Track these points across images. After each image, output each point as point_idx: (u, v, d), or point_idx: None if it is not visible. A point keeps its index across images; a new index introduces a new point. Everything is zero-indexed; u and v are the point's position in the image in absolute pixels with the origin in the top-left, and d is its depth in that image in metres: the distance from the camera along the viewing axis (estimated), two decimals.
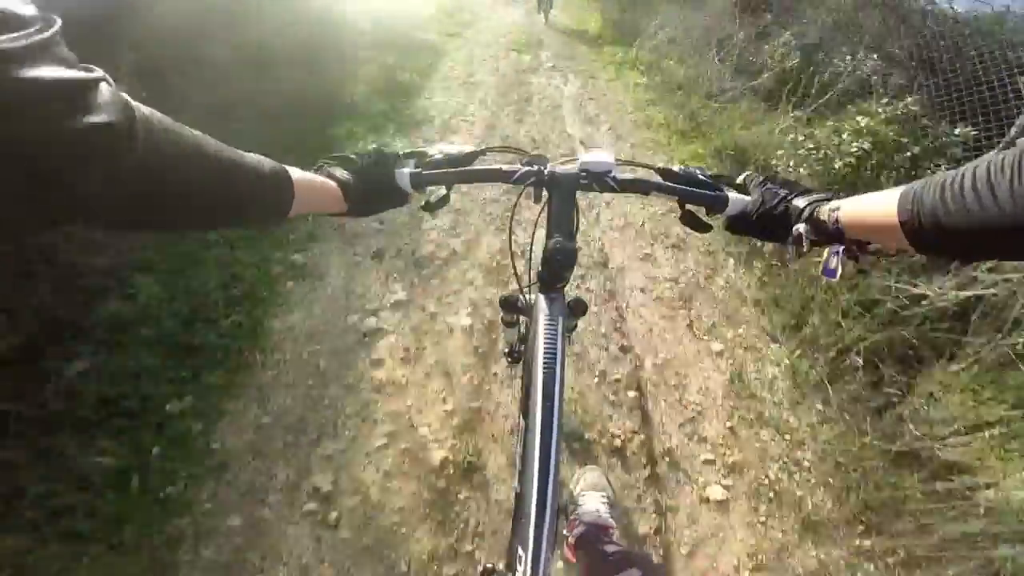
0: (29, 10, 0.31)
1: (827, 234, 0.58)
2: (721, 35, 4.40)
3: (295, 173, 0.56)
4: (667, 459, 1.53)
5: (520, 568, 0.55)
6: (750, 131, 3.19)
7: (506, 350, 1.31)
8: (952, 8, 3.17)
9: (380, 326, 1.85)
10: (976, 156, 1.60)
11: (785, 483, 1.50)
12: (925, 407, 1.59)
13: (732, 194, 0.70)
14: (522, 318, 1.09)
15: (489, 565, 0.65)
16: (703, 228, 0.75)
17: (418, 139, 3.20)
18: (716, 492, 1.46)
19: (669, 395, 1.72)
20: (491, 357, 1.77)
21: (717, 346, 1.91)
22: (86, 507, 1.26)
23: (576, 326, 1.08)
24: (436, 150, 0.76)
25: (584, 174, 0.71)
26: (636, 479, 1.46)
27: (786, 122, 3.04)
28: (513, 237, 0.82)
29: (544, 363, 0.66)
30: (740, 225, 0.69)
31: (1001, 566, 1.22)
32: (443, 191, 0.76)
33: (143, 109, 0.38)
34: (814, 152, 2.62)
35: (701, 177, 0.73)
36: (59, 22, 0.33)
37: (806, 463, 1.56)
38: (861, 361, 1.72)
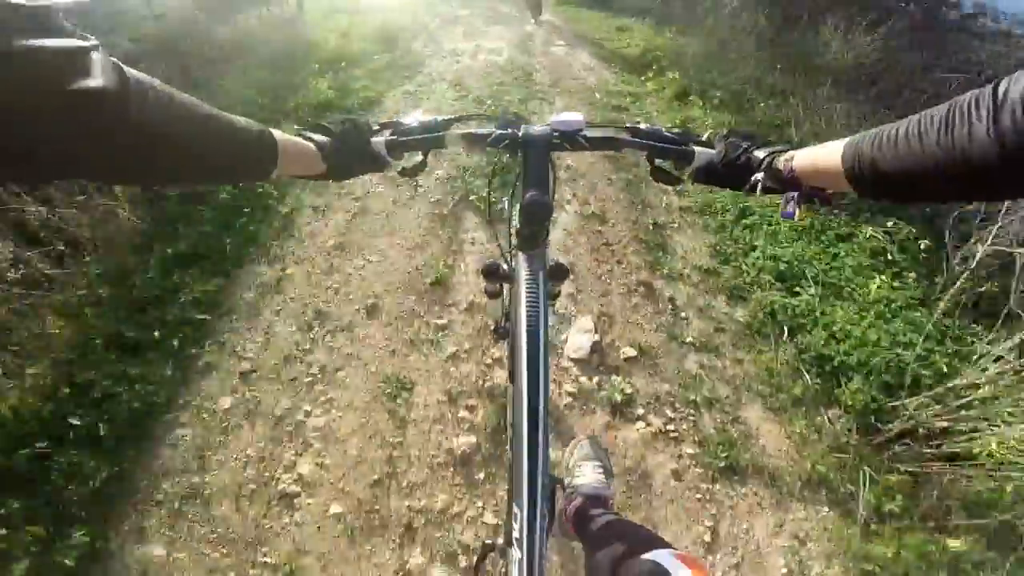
0: None
1: (783, 181, 0.63)
2: None
3: (278, 135, 0.58)
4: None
5: (517, 541, 0.56)
6: None
7: (492, 326, 1.31)
8: None
9: None
10: None
11: None
12: None
13: (698, 148, 0.73)
14: (506, 289, 1.11)
15: (489, 541, 0.69)
16: (673, 181, 0.78)
17: None
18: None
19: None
20: None
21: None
22: None
23: (559, 292, 1.10)
24: (411, 119, 0.77)
25: (556, 133, 0.74)
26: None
27: None
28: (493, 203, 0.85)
29: (527, 322, 0.68)
30: (706, 176, 0.73)
31: None
32: (419, 157, 0.78)
33: (136, 74, 0.40)
34: None
35: (667, 134, 0.76)
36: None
37: None
38: None
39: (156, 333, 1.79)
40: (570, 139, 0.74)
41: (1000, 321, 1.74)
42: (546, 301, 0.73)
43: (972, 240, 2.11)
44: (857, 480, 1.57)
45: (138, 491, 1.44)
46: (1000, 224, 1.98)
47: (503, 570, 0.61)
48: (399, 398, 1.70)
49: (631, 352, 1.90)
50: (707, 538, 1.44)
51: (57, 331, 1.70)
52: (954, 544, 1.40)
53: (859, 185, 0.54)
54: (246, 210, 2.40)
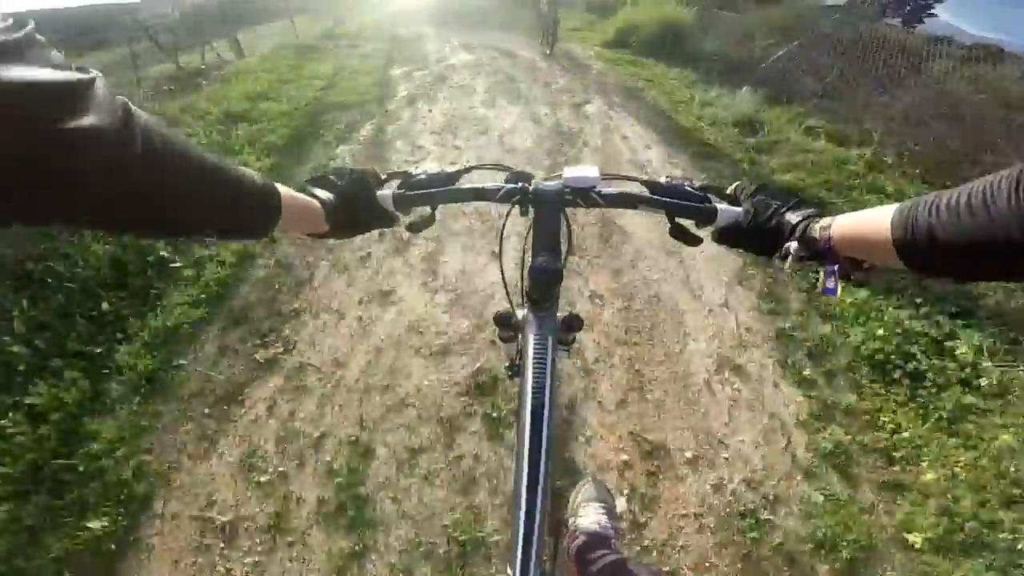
0: (2, 12, 0.31)
1: (818, 252, 0.57)
2: None
3: (282, 190, 0.55)
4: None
5: None
6: None
7: (506, 364, 1.33)
8: None
9: None
10: None
11: None
12: None
13: (721, 206, 0.69)
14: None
15: None
16: (693, 241, 0.74)
17: None
18: None
19: None
20: None
21: None
22: None
23: (574, 339, 1.08)
24: (420, 170, 0.76)
25: (568, 190, 0.71)
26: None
27: None
28: (504, 250, 0.83)
29: (533, 389, 0.66)
30: (730, 237, 0.68)
31: None
32: (428, 210, 0.76)
33: (141, 114, 0.37)
34: None
35: (689, 189, 0.72)
36: (33, 23, 0.32)
37: None
38: None
39: None
40: (584, 195, 0.71)
41: None
42: (553, 363, 0.70)
43: None
44: None
45: None
46: None
47: None
48: None
49: None
50: None
51: None
52: None
53: (911, 258, 0.47)
54: None
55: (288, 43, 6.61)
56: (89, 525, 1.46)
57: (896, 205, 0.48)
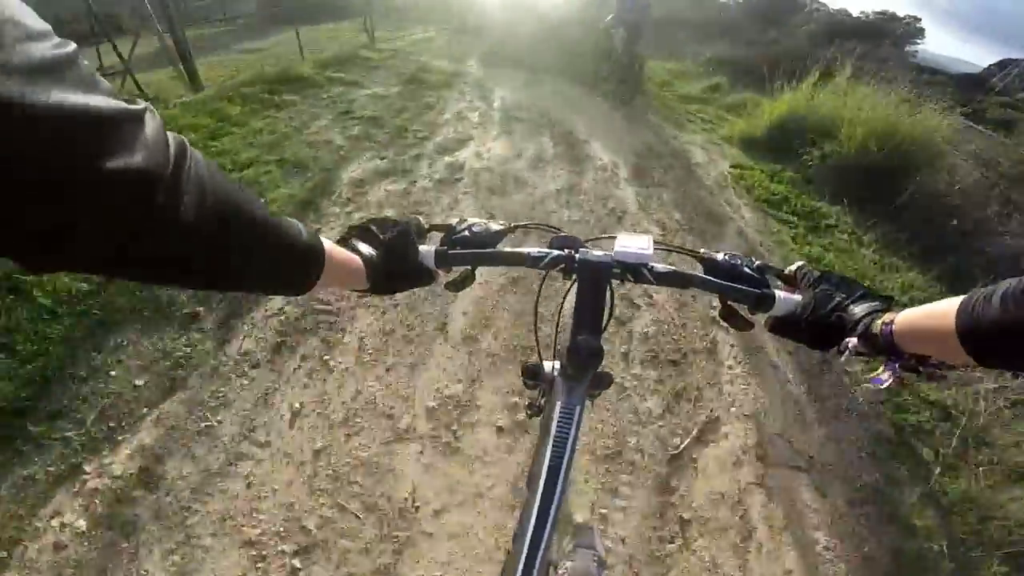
0: (41, 24, 0.26)
1: (879, 347, 0.54)
2: None
3: (327, 245, 0.51)
4: None
5: None
6: None
7: (527, 403, 1.34)
8: None
9: None
10: None
11: None
12: None
13: (780, 293, 0.65)
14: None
15: None
16: (743, 326, 0.69)
17: None
18: None
19: None
20: None
21: None
22: None
23: (599, 394, 1.06)
24: (463, 225, 0.72)
25: (617, 264, 0.66)
26: None
27: None
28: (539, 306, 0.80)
29: (554, 450, 0.64)
30: (785, 328, 0.64)
31: None
32: (468, 268, 0.74)
33: (197, 156, 0.34)
34: None
35: (746, 269, 0.68)
36: (74, 44, 0.28)
37: None
38: None
39: None
40: (634, 271, 0.66)
41: None
42: (578, 427, 0.67)
43: None
44: None
45: None
46: None
47: None
48: None
49: None
50: None
51: None
52: None
53: (977, 348, 0.45)
54: None
55: (266, 74, 4.31)
56: None
57: (960, 297, 0.46)
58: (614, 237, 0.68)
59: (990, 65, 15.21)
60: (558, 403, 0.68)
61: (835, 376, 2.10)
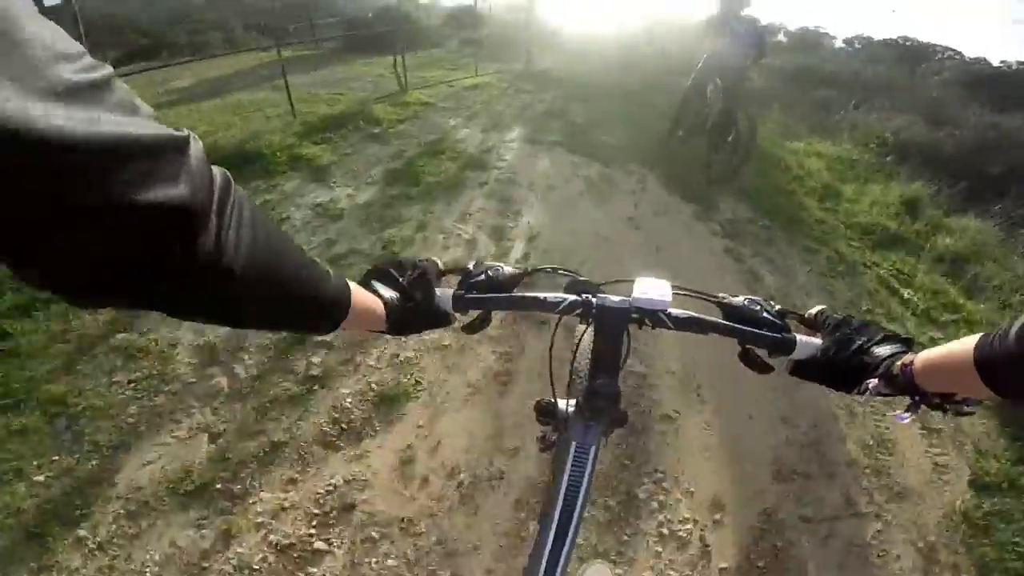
0: (75, 46, 0.25)
1: (899, 387, 0.56)
2: None
3: (353, 288, 0.53)
4: None
5: None
6: None
7: (540, 435, 1.31)
8: None
9: None
10: None
11: None
12: None
13: (800, 337, 0.65)
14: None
15: None
16: (763, 369, 0.68)
17: None
18: None
19: None
20: None
21: None
22: None
23: (613, 430, 1.05)
24: (480, 268, 0.73)
25: (635, 311, 0.67)
26: None
27: None
28: (554, 344, 0.81)
29: (567, 492, 0.65)
30: (806, 371, 0.65)
31: None
32: (485, 311, 0.75)
33: (240, 194, 0.33)
34: None
35: (766, 314, 0.68)
36: (110, 67, 0.27)
37: None
38: None
39: None
40: (652, 317, 0.67)
41: None
42: (592, 467, 0.69)
43: None
44: None
45: None
46: None
47: None
48: None
49: None
50: None
51: None
52: None
53: (999, 385, 0.46)
54: None
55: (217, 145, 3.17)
56: None
57: (979, 334, 0.48)
58: (631, 281, 0.69)
59: None
60: (573, 443, 0.70)
61: None
